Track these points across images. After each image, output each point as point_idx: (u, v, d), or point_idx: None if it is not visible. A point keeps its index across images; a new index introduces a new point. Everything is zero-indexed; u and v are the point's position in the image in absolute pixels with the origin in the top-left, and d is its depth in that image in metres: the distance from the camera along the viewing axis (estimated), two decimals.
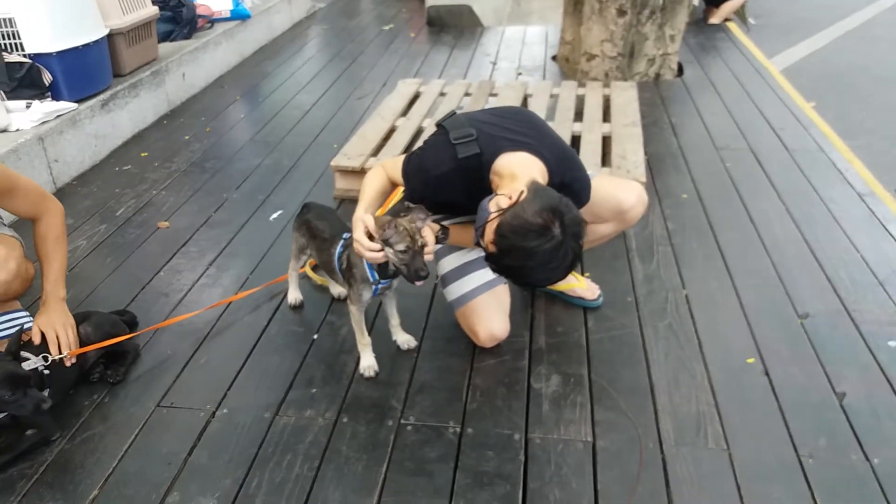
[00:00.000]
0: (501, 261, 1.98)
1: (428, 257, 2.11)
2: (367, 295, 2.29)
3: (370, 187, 2.31)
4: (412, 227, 2.09)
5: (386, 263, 2.17)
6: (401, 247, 2.08)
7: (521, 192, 1.93)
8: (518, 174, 2.03)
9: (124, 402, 2.31)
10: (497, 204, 1.97)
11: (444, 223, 2.29)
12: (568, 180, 2.17)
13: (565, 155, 2.22)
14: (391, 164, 2.36)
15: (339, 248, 2.32)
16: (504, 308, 2.49)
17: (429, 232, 2.15)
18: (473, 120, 2.21)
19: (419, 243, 2.09)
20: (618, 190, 2.45)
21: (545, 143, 2.17)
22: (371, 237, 2.11)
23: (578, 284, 2.70)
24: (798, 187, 3.61)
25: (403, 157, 2.30)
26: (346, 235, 2.34)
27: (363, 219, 2.14)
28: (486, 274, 2.44)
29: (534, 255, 1.89)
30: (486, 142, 2.14)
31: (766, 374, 2.37)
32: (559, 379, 2.37)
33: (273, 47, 6.48)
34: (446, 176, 2.17)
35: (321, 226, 2.45)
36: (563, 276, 2.03)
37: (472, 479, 2.00)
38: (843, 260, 2.98)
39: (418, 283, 2.12)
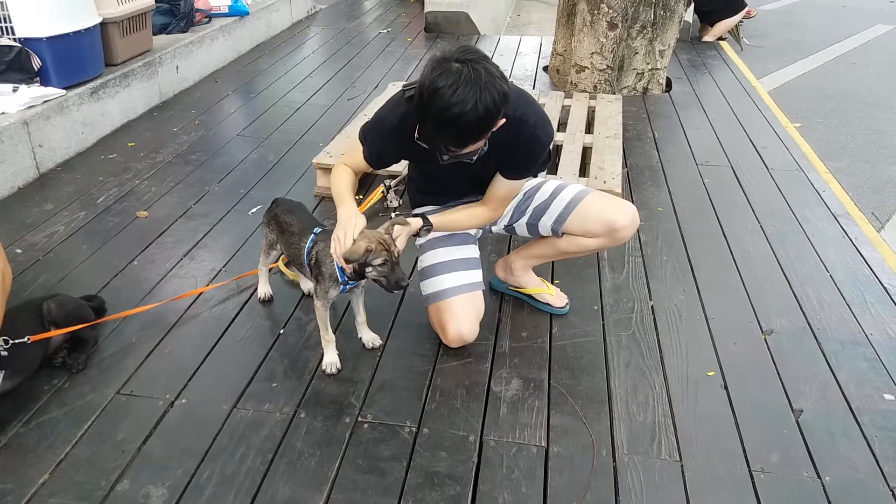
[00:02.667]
0: (427, 124, 1.92)
1: (399, 242, 2.17)
2: (333, 293, 2.30)
3: (342, 183, 2.33)
4: (387, 239, 2.13)
5: (351, 272, 2.19)
6: (378, 261, 2.11)
7: None
8: None
9: (84, 388, 2.31)
10: None
11: (428, 216, 2.32)
12: (521, 115, 2.14)
13: (519, 92, 2.18)
14: (348, 154, 2.41)
15: (308, 244, 2.33)
16: (477, 313, 2.50)
17: (402, 239, 2.20)
18: None
19: (395, 254, 2.13)
20: (614, 208, 2.42)
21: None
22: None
23: (547, 291, 2.72)
24: (774, 205, 3.63)
25: (357, 144, 2.36)
26: (316, 230, 2.35)
27: (355, 223, 2.13)
28: (468, 276, 2.46)
29: (430, 83, 1.83)
30: None
31: (725, 387, 2.39)
32: (519, 383, 2.38)
33: (270, 45, 6.50)
34: (401, 123, 2.17)
35: (290, 220, 2.46)
36: (497, 96, 1.86)
37: (424, 478, 2.01)
38: (811, 278, 3.00)
39: (397, 292, 2.15)
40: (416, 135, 2.08)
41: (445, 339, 2.48)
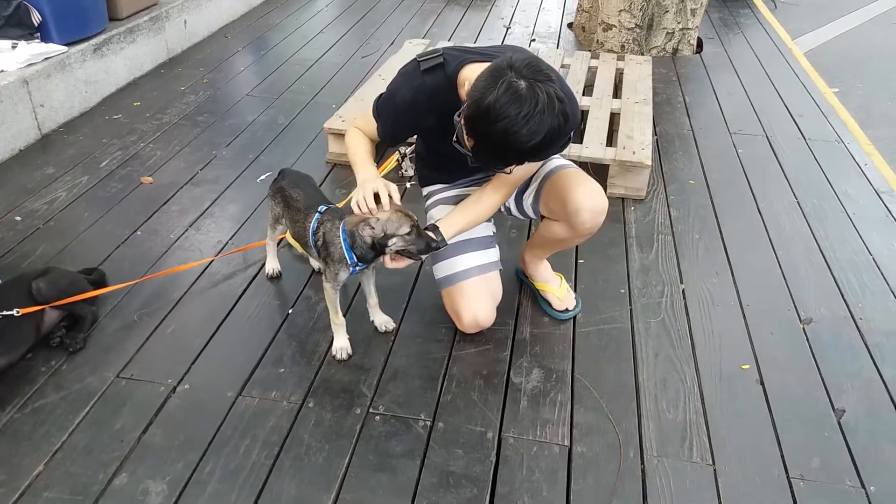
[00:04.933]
0: (481, 143, 1.79)
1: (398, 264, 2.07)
2: (343, 275, 2.15)
3: (358, 148, 2.19)
4: (398, 207, 2.00)
5: (367, 249, 2.05)
6: (405, 230, 1.97)
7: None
8: None
9: (82, 370, 2.19)
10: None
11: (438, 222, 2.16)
12: None
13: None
14: (363, 121, 2.25)
15: (314, 224, 2.17)
16: (493, 296, 2.34)
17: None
18: (451, 48, 2.06)
19: (415, 218, 2.00)
20: (574, 187, 2.14)
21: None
22: (377, 200, 1.99)
23: (552, 290, 2.49)
24: (812, 179, 3.43)
25: (367, 120, 2.22)
26: (321, 209, 2.19)
27: (381, 185, 1.99)
28: (482, 256, 2.30)
29: (501, 108, 1.68)
30: (453, 57, 2.01)
31: (761, 382, 2.24)
32: (540, 374, 2.24)
33: None
34: (414, 97, 2.04)
35: (296, 195, 2.30)
36: (556, 126, 1.72)
37: (438, 478, 1.89)
38: (852, 262, 2.82)
39: (425, 256, 2.06)
40: (454, 138, 1.92)
41: (460, 325, 2.34)
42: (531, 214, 2.37)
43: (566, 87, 1.80)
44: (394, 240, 1.99)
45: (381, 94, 2.17)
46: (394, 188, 2.01)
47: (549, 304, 2.49)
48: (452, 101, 1.99)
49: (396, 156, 3.26)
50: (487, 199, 2.16)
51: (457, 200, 2.34)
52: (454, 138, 1.92)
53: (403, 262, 2.09)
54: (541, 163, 2.21)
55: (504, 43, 1.91)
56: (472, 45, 2.16)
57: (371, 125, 2.21)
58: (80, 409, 2.06)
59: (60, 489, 1.82)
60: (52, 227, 2.90)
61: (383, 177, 3.07)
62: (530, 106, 1.68)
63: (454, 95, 2.00)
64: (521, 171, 2.10)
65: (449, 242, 2.13)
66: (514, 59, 1.73)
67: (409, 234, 1.98)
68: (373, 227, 1.98)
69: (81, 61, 3.90)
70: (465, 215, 2.16)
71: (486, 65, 1.87)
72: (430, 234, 2.08)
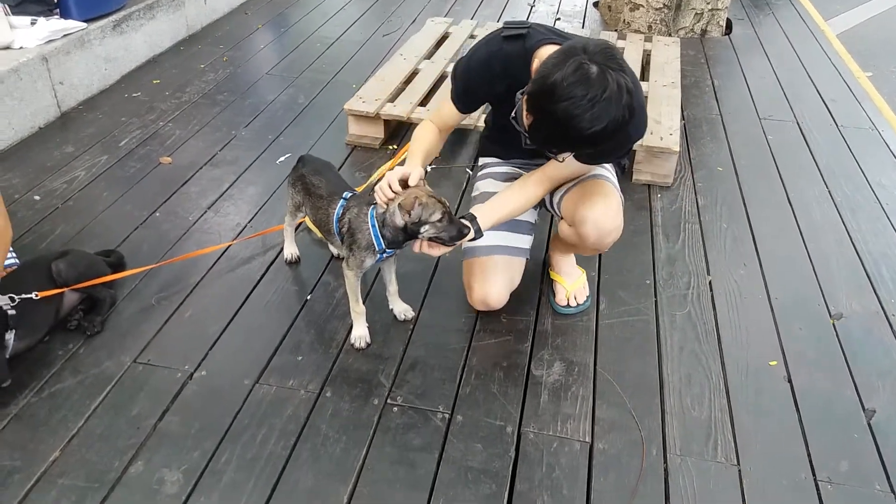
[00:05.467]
0: (541, 123, 1.73)
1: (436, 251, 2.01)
2: (368, 262, 2.10)
3: (419, 142, 2.17)
4: (428, 192, 1.96)
5: (398, 233, 2.00)
6: (437, 216, 1.92)
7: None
8: None
9: (99, 354, 2.18)
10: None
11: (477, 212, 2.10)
12: None
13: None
14: (436, 110, 2.27)
15: (338, 210, 2.13)
16: (510, 281, 2.29)
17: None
18: (541, 26, 2.03)
19: (447, 204, 1.95)
20: (591, 197, 2.08)
21: None
22: (404, 185, 1.97)
23: (561, 282, 2.42)
24: (844, 168, 3.33)
25: (444, 104, 2.21)
26: (346, 195, 2.15)
27: (405, 171, 1.98)
28: (513, 239, 2.27)
29: (567, 88, 1.61)
30: (537, 33, 1.99)
31: (789, 380, 2.18)
32: (562, 367, 2.19)
33: None
34: (489, 60, 2.04)
35: (317, 182, 2.26)
36: (621, 117, 1.66)
37: (457, 473, 1.86)
38: (886, 255, 2.74)
39: (458, 243, 2.01)
40: (512, 113, 1.87)
41: (470, 299, 2.30)
42: (556, 211, 2.30)
43: (639, 88, 1.76)
44: (426, 227, 1.93)
45: (460, 59, 2.17)
46: (420, 172, 1.99)
47: (554, 295, 2.43)
48: (525, 73, 1.94)
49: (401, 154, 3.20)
50: (530, 190, 2.12)
51: (506, 177, 2.33)
52: (512, 114, 1.86)
53: (438, 250, 2.02)
54: (589, 167, 2.14)
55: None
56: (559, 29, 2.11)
57: (441, 110, 2.23)
58: (97, 394, 2.05)
59: (76, 476, 1.81)
60: (71, 207, 2.88)
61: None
62: (598, 90, 1.62)
63: (527, 70, 1.95)
64: (570, 167, 2.07)
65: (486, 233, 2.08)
66: (589, 42, 1.68)
67: (440, 220, 1.93)
68: (409, 212, 1.91)
69: (101, 38, 3.86)
70: (504, 205, 2.11)
71: None
72: (466, 221, 2.03)
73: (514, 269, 2.29)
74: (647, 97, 3.49)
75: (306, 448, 1.91)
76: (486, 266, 2.24)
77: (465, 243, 2.20)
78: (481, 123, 3.03)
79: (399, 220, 1.95)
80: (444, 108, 2.23)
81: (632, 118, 1.71)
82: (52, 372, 2.11)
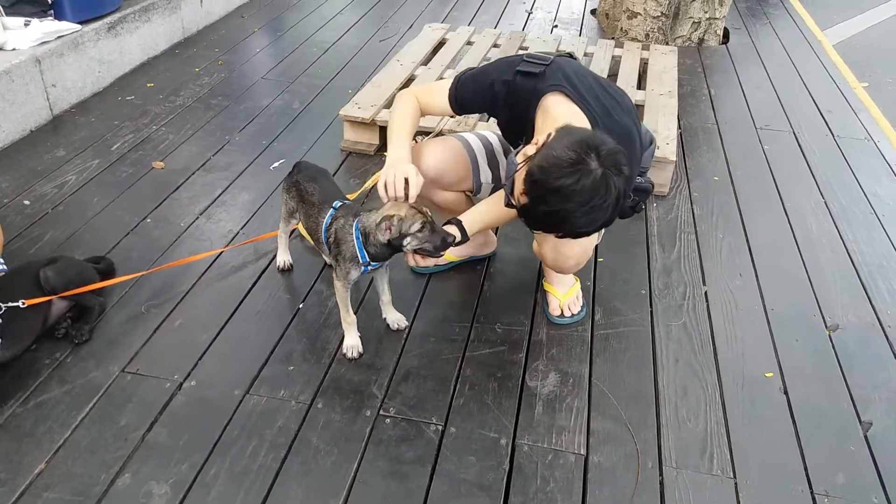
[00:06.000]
0: (536, 209, 1.75)
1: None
2: (354, 274, 2.09)
3: (402, 121, 2.12)
4: (415, 205, 1.95)
5: (383, 248, 2.00)
6: (416, 227, 1.91)
7: (549, 135, 1.74)
8: (561, 123, 1.81)
9: (87, 363, 2.14)
10: (524, 154, 1.79)
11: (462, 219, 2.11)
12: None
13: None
14: (425, 88, 2.21)
15: (327, 220, 2.10)
16: (450, 154, 2.30)
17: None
18: (564, 64, 2.01)
19: (429, 215, 1.94)
20: (560, 245, 2.10)
21: (612, 122, 1.94)
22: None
23: (554, 292, 2.40)
24: (840, 178, 3.32)
25: (445, 80, 2.17)
26: (335, 205, 2.12)
27: (412, 172, 1.95)
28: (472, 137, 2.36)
29: (571, 194, 1.67)
30: (554, 74, 1.96)
31: (785, 391, 2.16)
32: (557, 378, 2.17)
33: None
34: (498, 86, 2.04)
35: (311, 189, 2.23)
36: (610, 218, 1.76)
37: (450, 487, 1.83)
38: (881, 266, 2.73)
39: (444, 253, 2.00)
40: (509, 197, 1.89)
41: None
42: None
43: (633, 175, 1.87)
44: (408, 239, 1.93)
45: (471, 69, 2.16)
46: (420, 180, 1.96)
47: (547, 304, 2.42)
48: (528, 112, 1.99)
49: (413, 144, 3.17)
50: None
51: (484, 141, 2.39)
52: (504, 179, 1.87)
53: (427, 261, 2.06)
54: None
55: (606, 85, 1.89)
56: (585, 69, 2.10)
57: (433, 96, 2.18)
58: (84, 404, 2.01)
59: (61, 489, 1.78)
60: (61, 212, 2.85)
61: (364, 190, 2.98)
62: (599, 199, 1.68)
63: (530, 109, 1.99)
64: None
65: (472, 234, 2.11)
66: (601, 144, 1.69)
67: (420, 231, 1.92)
68: (390, 227, 1.91)
69: (95, 40, 3.83)
70: (487, 213, 2.12)
71: (575, 108, 1.90)
72: (453, 227, 2.06)
73: (453, 144, 2.32)
74: (644, 105, 3.48)
75: (297, 461, 1.88)
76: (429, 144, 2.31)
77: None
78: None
79: (382, 237, 1.95)
80: (436, 97, 2.17)
81: (614, 216, 1.78)
82: (39, 381, 2.08)
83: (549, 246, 2.13)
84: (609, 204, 1.70)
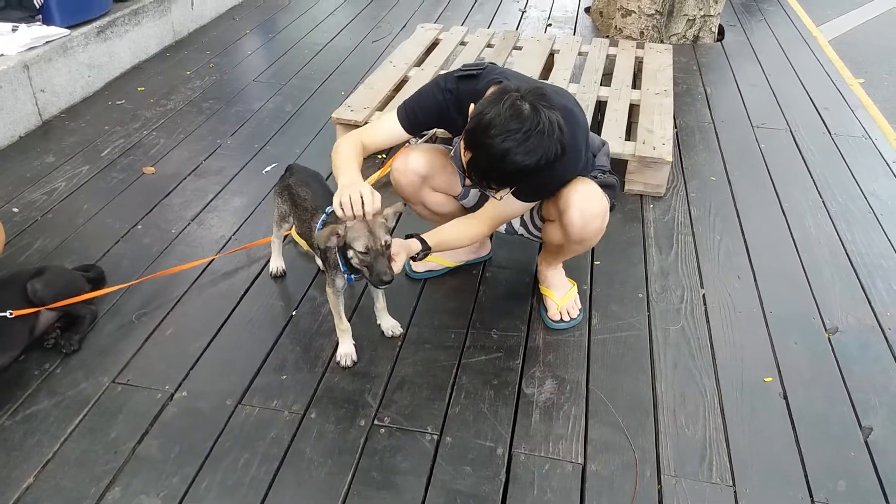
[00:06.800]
0: (478, 158, 1.79)
1: (395, 266, 1.89)
2: (340, 282, 2.06)
3: (347, 159, 2.04)
4: (371, 223, 1.86)
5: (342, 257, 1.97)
6: (359, 245, 1.85)
7: None
8: None
9: (77, 374, 2.11)
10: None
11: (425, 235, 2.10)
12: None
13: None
14: (367, 129, 2.21)
15: (318, 225, 2.07)
16: (432, 156, 2.29)
17: (400, 261, 1.94)
18: (499, 67, 2.09)
19: (381, 242, 1.85)
20: (572, 186, 2.07)
21: (551, 103, 1.87)
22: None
23: (552, 297, 2.38)
24: (838, 177, 3.30)
25: (386, 114, 2.23)
26: (328, 209, 2.09)
27: (367, 191, 1.88)
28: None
29: (501, 122, 1.71)
30: (491, 72, 2.02)
31: (784, 396, 2.13)
32: (553, 385, 2.14)
33: None
34: (443, 94, 2.07)
35: (303, 193, 2.20)
36: (555, 151, 1.75)
37: (445, 498, 1.80)
38: (880, 266, 2.70)
39: (382, 288, 1.97)
40: (451, 152, 1.94)
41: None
42: (535, 230, 2.36)
43: (574, 127, 1.86)
44: (350, 252, 1.88)
45: (414, 93, 2.17)
46: (377, 197, 1.89)
47: (546, 310, 2.39)
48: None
49: (406, 147, 3.14)
50: (473, 225, 2.17)
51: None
52: (451, 153, 1.87)
53: (419, 265, 2.13)
54: (528, 205, 2.14)
55: (546, 83, 1.88)
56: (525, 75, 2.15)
57: (377, 130, 2.18)
58: (74, 416, 1.98)
59: None
60: (51, 220, 2.81)
61: (377, 182, 2.97)
62: (531, 124, 1.72)
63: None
64: (511, 207, 2.10)
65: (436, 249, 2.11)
66: (522, 83, 1.80)
67: (363, 252, 1.85)
68: (339, 235, 1.87)
69: (84, 45, 3.79)
70: (448, 234, 2.14)
71: None
72: (414, 240, 2.05)
73: (434, 151, 2.32)
74: (639, 105, 3.45)
75: (290, 473, 1.85)
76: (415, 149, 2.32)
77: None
78: None
79: (333, 245, 1.92)
80: (381, 127, 2.15)
81: (563, 153, 1.79)
82: (28, 393, 2.05)
83: (575, 209, 2.05)
84: (545, 130, 1.72)
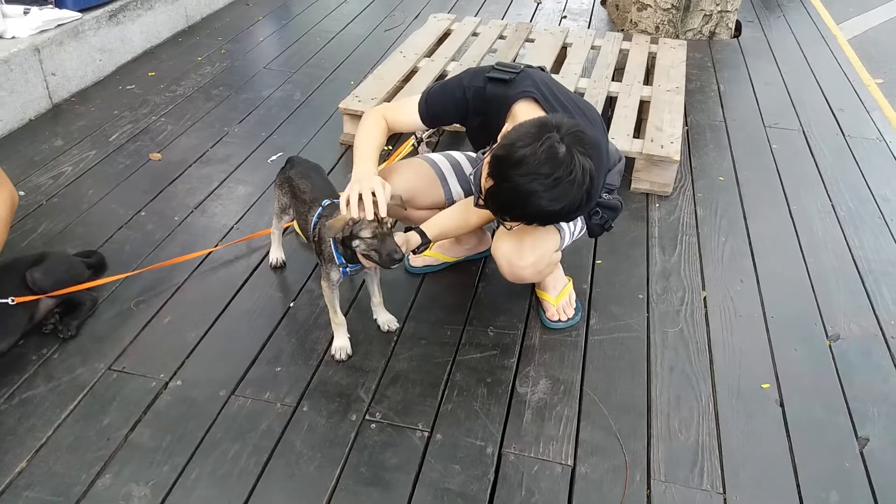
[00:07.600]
0: (501, 188, 1.73)
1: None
2: (335, 275, 2.06)
3: (368, 140, 2.06)
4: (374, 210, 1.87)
5: (344, 250, 1.97)
6: (367, 233, 1.86)
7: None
8: None
9: (74, 360, 2.13)
10: (490, 151, 1.79)
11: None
12: None
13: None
14: (393, 105, 2.18)
15: (315, 218, 2.07)
16: (417, 175, 2.26)
17: (399, 238, 1.97)
18: (534, 73, 2.01)
19: (386, 225, 1.88)
20: (505, 244, 2.07)
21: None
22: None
23: (547, 297, 2.34)
24: (849, 180, 3.25)
25: (414, 96, 2.14)
26: (324, 203, 2.09)
27: (378, 186, 1.88)
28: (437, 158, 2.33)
29: (534, 164, 1.65)
30: (522, 81, 1.96)
31: (781, 403, 2.11)
32: (547, 385, 2.13)
33: None
34: (469, 93, 2.02)
35: (303, 186, 2.20)
36: (579, 201, 1.71)
37: (433, 496, 1.80)
38: (887, 274, 2.66)
39: (394, 267, 1.94)
40: (470, 173, 1.93)
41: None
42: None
43: (601, 172, 1.77)
44: (356, 241, 1.89)
45: (439, 82, 2.14)
46: (388, 191, 1.89)
47: (544, 311, 2.37)
48: (499, 119, 1.97)
49: (412, 139, 3.14)
50: (472, 216, 2.11)
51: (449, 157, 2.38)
52: (470, 173, 1.83)
53: (416, 260, 2.12)
54: None
55: (576, 98, 1.85)
56: (556, 82, 2.08)
57: (401, 112, 2.15)
58: (69, 402, 2.00)
59: (42, 489, 1.77)
60: (56, 204, 2.83)
61: (398, 160, 2.96)
62: (563, 171, 1.66)
63: (502, 116, 1.97)
64: None
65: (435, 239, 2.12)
66: (564, 121, 1.70)
67: (371, 237, 1.86)
68: (344, 227, 1.88)
69: (96, 28, 3.80)
70: (450, 224, 2.13)
71: (541, 113, 1.87)
72: (413, 233, 2.06)
73: (423, 169, 2.29)
74: (649, 101, 3.42)
75: (279, 465, 1.86)
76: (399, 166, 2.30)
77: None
78: None
79: (333, 235, 1.92)
80: (404, 112, 2.14)
81: (587, 202, 1.75)
82: (24, 378, 2.06)
83: (507, 247, 2.05)
84: (575, 180, 1.67)
